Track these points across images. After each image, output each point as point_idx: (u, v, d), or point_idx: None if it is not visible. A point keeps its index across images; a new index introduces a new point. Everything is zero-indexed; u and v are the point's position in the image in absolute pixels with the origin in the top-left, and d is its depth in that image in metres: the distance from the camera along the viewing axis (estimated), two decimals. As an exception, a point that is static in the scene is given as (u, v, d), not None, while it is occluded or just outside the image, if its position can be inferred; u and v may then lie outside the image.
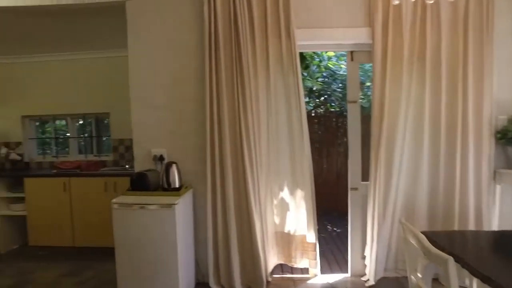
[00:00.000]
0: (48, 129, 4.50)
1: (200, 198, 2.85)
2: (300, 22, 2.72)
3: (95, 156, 4.30)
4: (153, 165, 2.87)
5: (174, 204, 2.34)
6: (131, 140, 3.01)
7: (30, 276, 3.16)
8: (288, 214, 2.99)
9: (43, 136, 4.39)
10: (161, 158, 2.86)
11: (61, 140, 4.45)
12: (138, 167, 2.95)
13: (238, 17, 2.64)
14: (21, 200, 3.81)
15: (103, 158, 4.24)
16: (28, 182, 3.63)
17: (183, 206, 2.51)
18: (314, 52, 4.28)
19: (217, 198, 2.75)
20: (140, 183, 2.56)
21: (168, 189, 2.58)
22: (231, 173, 2.74)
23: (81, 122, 4.42)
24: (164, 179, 2.61)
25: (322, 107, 6.49)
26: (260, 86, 2.77)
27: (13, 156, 4.12)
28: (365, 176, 2.94)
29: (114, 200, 2.42)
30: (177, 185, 2.62)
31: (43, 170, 3.97)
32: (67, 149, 4.42)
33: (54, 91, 4.19)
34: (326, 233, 4.51)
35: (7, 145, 4.29)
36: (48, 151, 4.46)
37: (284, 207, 2.99)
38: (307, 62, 3.98)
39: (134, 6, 2.83)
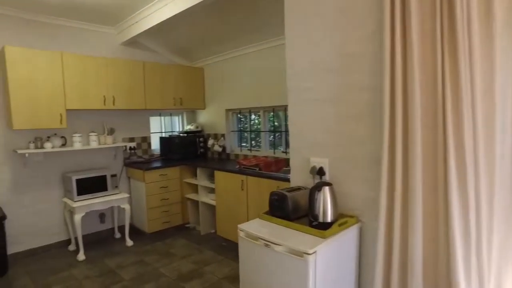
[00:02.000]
0: (246, 121, 4.59)
1: (370, 239, 1.86)
2: None
3: (283, 152, 3.98)
4: (311, 179, 2.12)
5: (308, 253, 1.51)
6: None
7: (205, 268, 3.20)
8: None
9: (239, 130, 4.51)
10: (320, 172, 2.06)
11: (255, 133, 4.43)
12: (295, 180, 2.28)
13: None
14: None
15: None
16: (217, 175, 3.75)
17: (329, 253, 1.64)
18: None
19: (394, 245, 1.67)
20: (280, 207, 1.88)
21: (312, 223, 1.77)
22: (422, 209, 1.59)
23: (272, 114, 4.20)
24: (309, 208, 1.81)
25: None
26: (497, 60, 1.41)
27: (216, 147, 4.43)
28: None
29: (240, 226, 1.87)
30: (328, 219, 1.76)
31: (235, 164, 4.03)
32: (260, 142, 4.34)
33: (250, 83, 4.15)
34: None
35: (215, 136, 4.70)
36: (245, 144, 4.56)
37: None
38: None
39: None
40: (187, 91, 4.59)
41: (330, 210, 1.77)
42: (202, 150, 4.70)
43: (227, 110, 4.56)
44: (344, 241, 1.76)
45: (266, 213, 1.97)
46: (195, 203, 4.34)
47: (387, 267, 1.71)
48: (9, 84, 3.18)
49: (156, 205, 4.02)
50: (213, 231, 4.21)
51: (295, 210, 1.86)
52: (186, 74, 4.57)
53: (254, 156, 3.99)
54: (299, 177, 2.24)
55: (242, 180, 3.44)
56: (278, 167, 3.57)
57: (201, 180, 4.06)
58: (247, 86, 4.18)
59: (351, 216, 1.88)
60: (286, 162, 3.73)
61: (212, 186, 3.90)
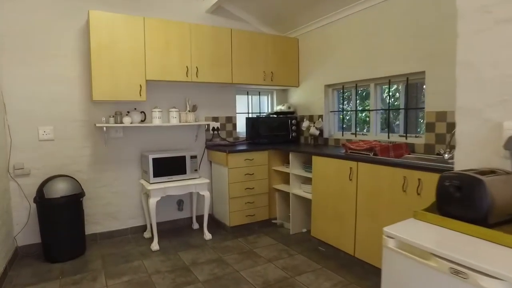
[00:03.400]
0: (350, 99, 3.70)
1: None
2: None
3: (401, 136, 3.01)
4: (508, 160, 1.20)
5: None
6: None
7: (297, 278, 2.45)
8: None
9: (341, 109, 3.63)
10: (527, 145, 1.14)
11: (361, 113, 3.51)
12: (463, 161, 1.38)
13: None
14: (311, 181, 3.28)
15: (412, 140, 2.87)
16: (316, 161, 2.97)
17: None
18: None
19: None
20: (465, 201, 1.02)
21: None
22: None
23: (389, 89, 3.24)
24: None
25: None
26: None
27: (312, 130, 3.65)
28: None
29: (388, 230, 1.06)
30: None
31: (337, 149, 3.20)
32: (367, 125, 3.43)
33: (356, 50, 3.28)
34: None
35: (311, 118, 3.93)
36: (347, 127, 3.67)
37: None
38: None
39: None
40: (279, 65, 3.91)
41: None
42: (294, 134, 3.98)
43: (327, 86, 3.74)
44: None
45: (429, 210, 1.12)
46: (285, 195, 3.64)
47: None
48: (91, 51, 2.90)
49: (240, 195, 3.42)
50: (304, 230, 3.45)
51: (496, 208, 0.98)
52: (278, 45, 3.90)
53: (362, 140, 3.10)
54: (473, 156, 1.33)
55: (350, 168, 2.60)
56: (398, 154, 2.64)
57: (294, 168, 3.33)
58: (353, 54, 3.31)
59: None
60: (409, 148, 2.78)
61: (308, 175, 3.15)
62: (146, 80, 3.13)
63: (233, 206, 3.40)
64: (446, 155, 2.41)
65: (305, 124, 3.78)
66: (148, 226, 3.36)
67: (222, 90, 3.90)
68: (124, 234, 3.41)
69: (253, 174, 3.47)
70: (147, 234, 3.35)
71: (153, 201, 2.98)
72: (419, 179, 2.11)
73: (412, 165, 2.15)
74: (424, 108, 2.74)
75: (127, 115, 3.24)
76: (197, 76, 3.35)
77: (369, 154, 2.59)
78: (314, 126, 3.66)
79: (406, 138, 2.94)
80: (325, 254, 2.87)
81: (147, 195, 3.17)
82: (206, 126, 3.78)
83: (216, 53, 3.45)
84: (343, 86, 3.58)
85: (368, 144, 2.77)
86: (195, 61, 3.34)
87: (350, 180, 2.61)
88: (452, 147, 2.48)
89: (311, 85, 3.91)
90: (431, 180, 2.03)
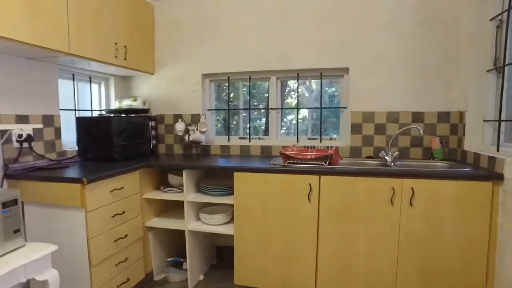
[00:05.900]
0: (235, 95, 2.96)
1: None
2: None
3: (310, 139, 2.67)
4: None
5: None
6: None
7: None
8: None
9: (227, 108, 2.86)
10: None
11: (256, 113, 2.89)
12: None
13: None
14: (220, 207, 2.37)
15: (328, 143, 2.59)
16: (241, 180, 2.09)
17: None
18: None
19: None
20: None
21: None
22: None
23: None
24: None
25: None
26: None
27: (197, 136, 2.64)
28: None
29: None
30: None
31: (232, 160, 2.42)
32: (262, 127, 2.86)
33: (255, 32, 2.63)
34: None
35: (176, 119, 2.86)
36: (233, 131, 2.94)
37: None
38: None
39: None
40: (135, 40, 2.57)
41: None
42: (154, 141, 2.76)
43: (205, 76, 2.82)
44: None
45: None
46: (159, 233, 2.48)
47: None
48: None
49: (108, 254, 1.93)
50: (202, 277, 2.45)
51: None
52: (133, 11, 2.54)
53: (293, 146, 2.44)
54: None
55: (309, 184, 1.97)
56: (337, 160, 2.30)
57: (189, 193, 2.26)
58: (250, 37, 2.64)
59: None
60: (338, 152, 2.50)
61: (210, 200, 2.20)
62: None
63: (98, 279, 1.88)
64: (388, 158, 2.29)
65: (180, 126, 2.68)
66: None
67: (35, 66, 2.10)
68: None
69: (123, 212, 2.07)
70: None
71: None
72: (412, 188, 1.83)
73: (406, 173, 1.84)
74: (345, 107, 2.52)
75: None
76: (-1, 29, 1.57)
77: (323, 164, 2.07)
78: (197, 129, 2.66)
79: (321, 142, 2.63)
80: (265, 305, 2.10)
81: None
82: (7, 135, 1.91)
83: (36, -8, 1.77)
84: (228, 77, 2.80)
85: (306, 151, 2.22)
86: (-8, -3, 1.55)
87: (309, 201, 1.99)
88: (394, 150, 2.40)
89: (178, 73, 2.84)
90: (426, 189, 1.81)
